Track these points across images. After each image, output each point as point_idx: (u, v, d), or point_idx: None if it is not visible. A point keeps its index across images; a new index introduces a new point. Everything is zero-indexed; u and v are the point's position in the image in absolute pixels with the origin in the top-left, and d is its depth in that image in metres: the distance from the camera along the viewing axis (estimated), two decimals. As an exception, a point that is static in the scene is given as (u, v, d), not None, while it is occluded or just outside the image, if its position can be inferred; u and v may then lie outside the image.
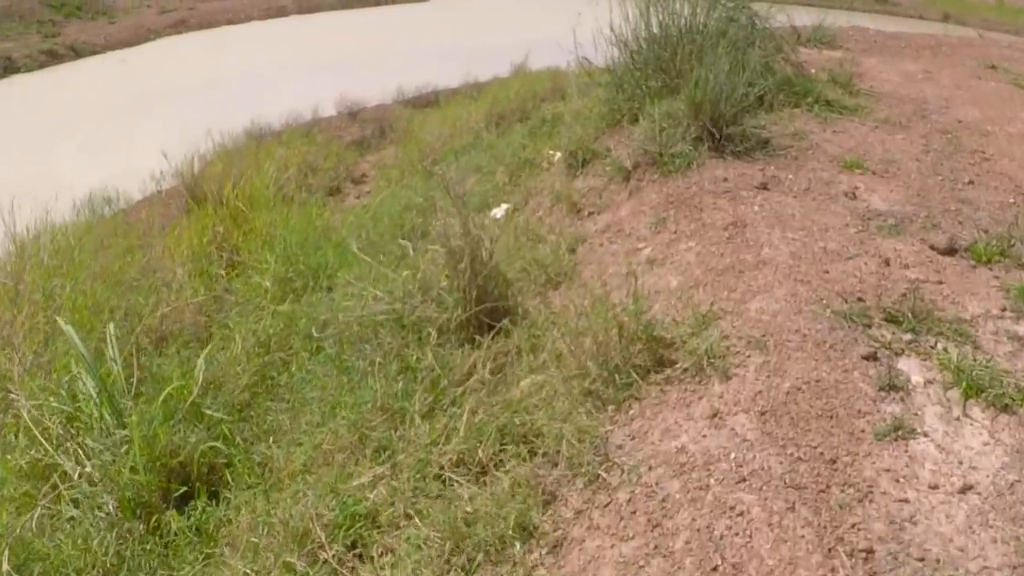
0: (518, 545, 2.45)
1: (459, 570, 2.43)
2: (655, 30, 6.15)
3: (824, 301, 3.32)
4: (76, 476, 3.57)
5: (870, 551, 2.15)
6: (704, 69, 5.22)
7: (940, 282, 3.63)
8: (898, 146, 5.46)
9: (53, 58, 15.09)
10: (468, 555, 2.45)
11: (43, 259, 5.03)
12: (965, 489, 2.38)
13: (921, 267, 3.75)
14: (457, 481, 2.72)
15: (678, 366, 2.89)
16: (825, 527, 2.20)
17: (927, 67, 8.15)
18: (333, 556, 2.66)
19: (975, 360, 2.96)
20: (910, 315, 3.27)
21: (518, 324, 3.55)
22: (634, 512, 2.37)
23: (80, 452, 3.73)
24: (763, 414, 2.61)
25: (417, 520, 2.64)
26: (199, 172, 7.50)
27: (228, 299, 5.31)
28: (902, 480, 2.39)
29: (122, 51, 16.10)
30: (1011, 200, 4.55)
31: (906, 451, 2.52)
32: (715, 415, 2.62)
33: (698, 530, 2.24)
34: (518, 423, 2.79)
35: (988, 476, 2.42)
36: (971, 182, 4.89)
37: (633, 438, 2.67)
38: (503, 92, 9.41)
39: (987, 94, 7.03)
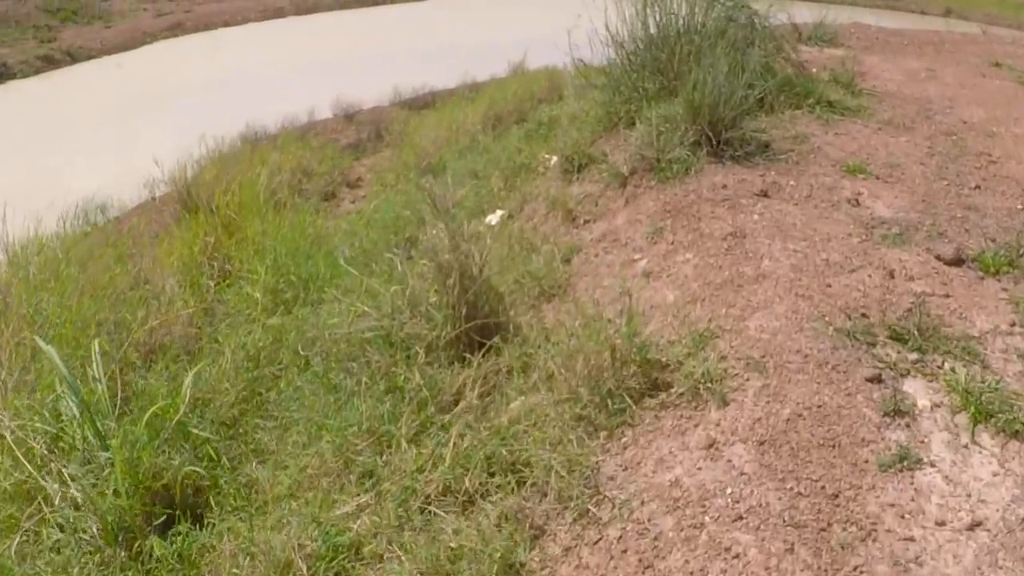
0: (505, 584, 2.33)
1: (444, 610, 2.31)
2: (652, 30, 6.02)
3: (826, 318, 3.19)
4: (58, 500, 3.46)
5: (874, 595, 2.03)
6: (702, 71, 5.08)
7: (947, 295, 3.50)
8: (902, 149, 5.32)
9: (49, 63, 14.97)
10: (453, 594, 2.33)
11: (30, 273, 4.90)
12: (974, 525, 2.25)
13: (927, 279, 3.62)
14: (442, 513, 2.60)
15: (673, 390, 2.77)
16: (826, 570, 2.07)
17: (930, 65, 8.00)
18: (315, 591, 2.54)
19: (984, 382, 2.83)
20: (916, 332, 3.14)
21: (509, 341, 3.43)
22: (625, 551, 2.25)
23: (65, 474, 3.63)
24: (762, 444, 2.48)
25: (401, 555, 2.52)
26: (193, 178, 7.38)
27: (219, 310, 5.20)
28: (907, 516, 2.26)
29: (118, 55, 15.96)
30: (1019, 206, 4.41)
31: (912, 483, 2.39)
32: (711, 445, 2.49)
33: (691, 573, 2.11)
34: (506, 452, 2.66)
35: (998, 511, 2.30)
36: (977, 187, 4.75)
37: (625, 469, 2.54)
38: (500, 93, 9.27)
39: (992, 93, 6.88)
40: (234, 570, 2.89)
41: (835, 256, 3.70)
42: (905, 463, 2.48)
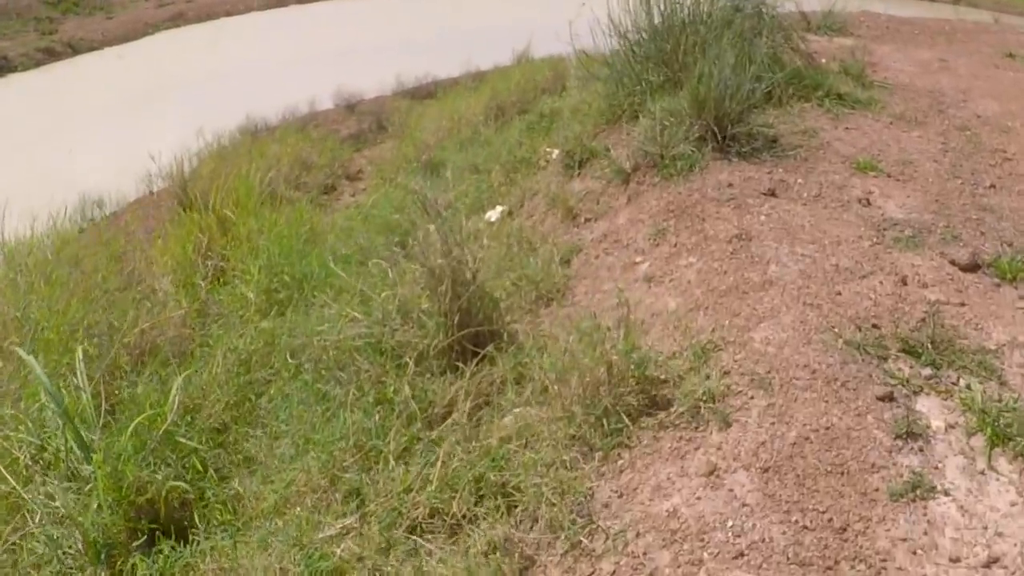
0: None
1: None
2: (656, 20, 5.82)
3: (836, 329, 3.02)
4: (39, 515, 3.34)
5: (886, 642, 1.88)
6: (707, 62, 4.90)
7: (962, 304, 3.33)
8: (914, 145, 5.13)
9: (50, 55, 14.77)
10: (438, 630, 2.19)
11: (19, 275, 4.77)
12: (990, 562, 2.10)
13: (941, 286, 3.45)
14: (428, 541, 2.46)
15: (673, 409, 2.61)
16: (834, 615, 1.92)
17: (942, 55, 7.78)
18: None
19: (1001, 400, 2.66)
20: (929, 345, 2.97)
21: (503, 350, 3.28)
22: (619, 588, 2.11)
23: (50, 486, 3.51)
24: (765, 471, 2.33)
25: (385, 584, 2.38)
26: (190, 173, 7.23)
27: (213, 311, 5.06)
28: (920, 552, 2.11)
29: (119, 46, 15.75)
30: (1036, 207, 4.23)
31: (925, 515, 2.24)
32: (712, 472, 2.34)
33: (690, 616, 1.97)
34: (495, 477, 2.51)
35: (1016, 545, 2.14)
36: (992, 186, 4.56)
37: (621, 495, 2.39)
38: (503, 83, 9.06)
39: (1006, 85, 6.66)
40: (216, 592, 2.77)
41: (845, 261, 3.53)
42: (918, 492, 2.32)
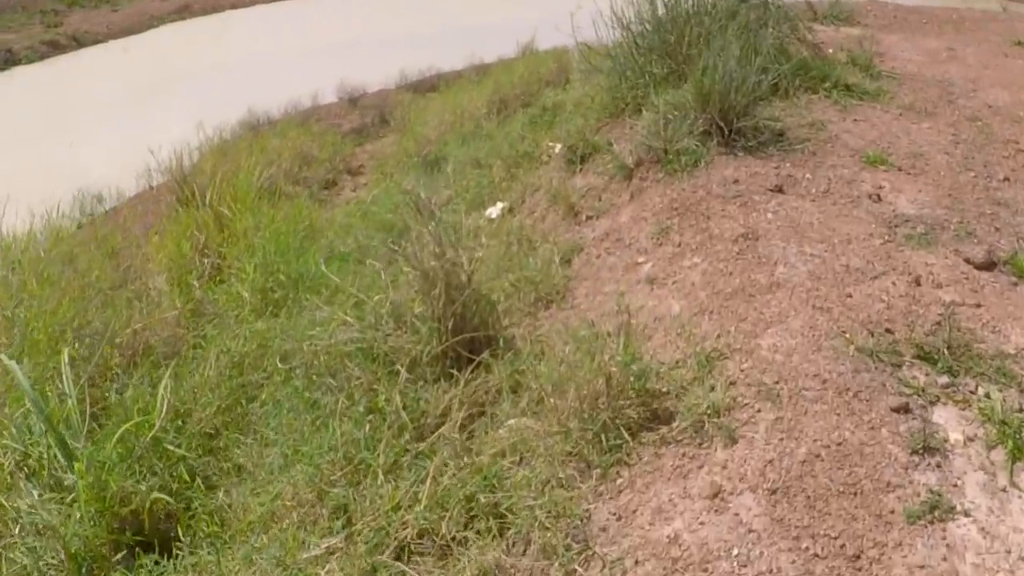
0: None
1: None
2: (660, 11, 5.62)
3: (847, 334, 2.83)
4: (20, 526, 3.20)
5: None
6: (712, 54, 4.69)
7: (978, 305, 3.13)
8: (925, 137, 4.92)
9: (55, 48, 14.59)
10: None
11: (9, 275, 4.62)
12: (1019, 592, 1.92)
13: (956, 286, 3.25)
14: (416, 562, 2.29)
15: (676, 424, 2.44)
16: (849, 656, 1.75)
17: (951, 44, 7.54)
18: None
19: (1021, 410, 2.48)
20: (945, 350, 2.78)
21: (500, 357, 3.10)
22: (617, 622, 1.94)
23: (32, 495, 3.36)
24: (773, 493, 2.15)
25: (370, 611, 2.22)
26: (190, 168, 7.06)
27: (208, 310, 4.90)
28: (942, 582, 1.93)
29: (124, 39, 15.55)
30: (1053, 201, 4.02)
31: (944, 539, 2.06)
32: (716, 494, 2.16)
33: (693, 656, 1.80)
34: (484, 500, 2.34)
35: (1045, 573, 1.96)
36: (1006, 179, 4.36)
37: (619, 518, 2.22)
38: (506, 75, 8.85)
39: (1016, 74, 6.43)
40: (198, 612, 2.61)
41: (856, 260, 3.34)
42: (936, 513, 2.14)
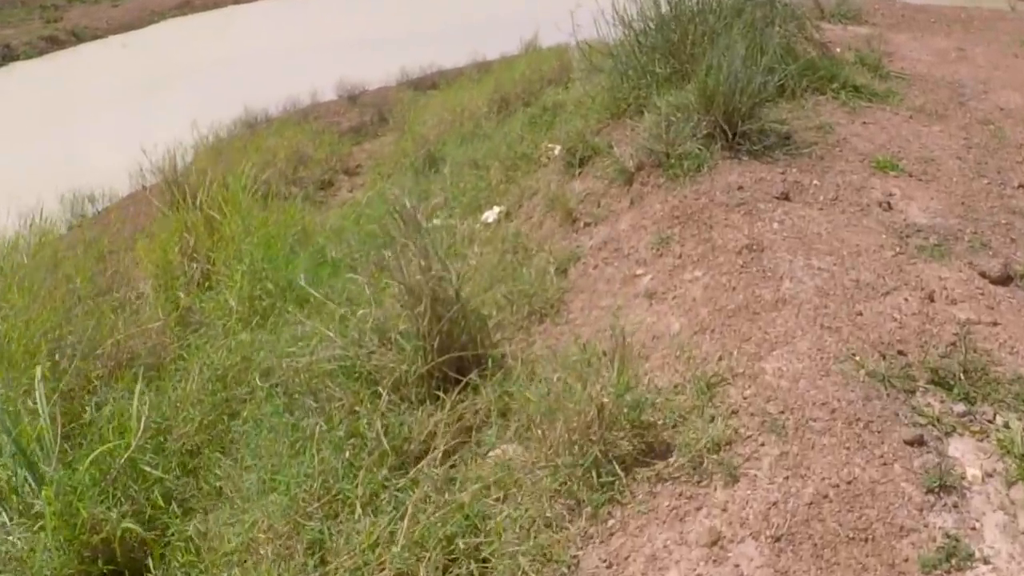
0: None
1: None
2: (663, 9, 5.41)
3: (857, 357, 2.64)
4: (-15, 554, 3.03)
5: None
6: (716, 54, 4.49)
7: (994, 323, 2.94)
8: (936, 140, 4.71)
9: (54, 44, 14.39)
10: None
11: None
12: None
13: (971, 302, 3.06)
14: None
15: (672, 460, 2.25)
16: None
17: (960, 44, 7.33)
18: None
19: (1046, 443, 2.29)
20: (961, 375, 2.60)
21: (488, 378, 2.92)
22: None
23: (3, 520, 3.20)
24: (777, 540, 1.97)
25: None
26: (185, 167, 6.89)
27: (194, 319, 4.73)
28: (963, 645, 1.75)
29: (124, 35, 15.35)
30: (1071, 210, 3.82)
31: (965, 592, 1.87)
32: (715, 542, 1.98)
33: None
34: (464, 544, 2.16)
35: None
36: (1021, 186, 4.17)
37: (610, 566, 2.04)
38: (508, 73, 8.64)
39: (1027, 76, 6.22)
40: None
41: (866, 275, 3.14)
42: (953, 561, 1.96)
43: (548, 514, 2.20)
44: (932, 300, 3.04)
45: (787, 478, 2.14)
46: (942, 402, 2.51)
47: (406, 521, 2.28)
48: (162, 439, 3.68)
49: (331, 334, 3.19)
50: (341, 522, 2.50)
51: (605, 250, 3.84)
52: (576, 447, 2.28)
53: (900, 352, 2.70)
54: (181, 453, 3.65)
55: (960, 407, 2.48)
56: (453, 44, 11.70)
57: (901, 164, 4.30)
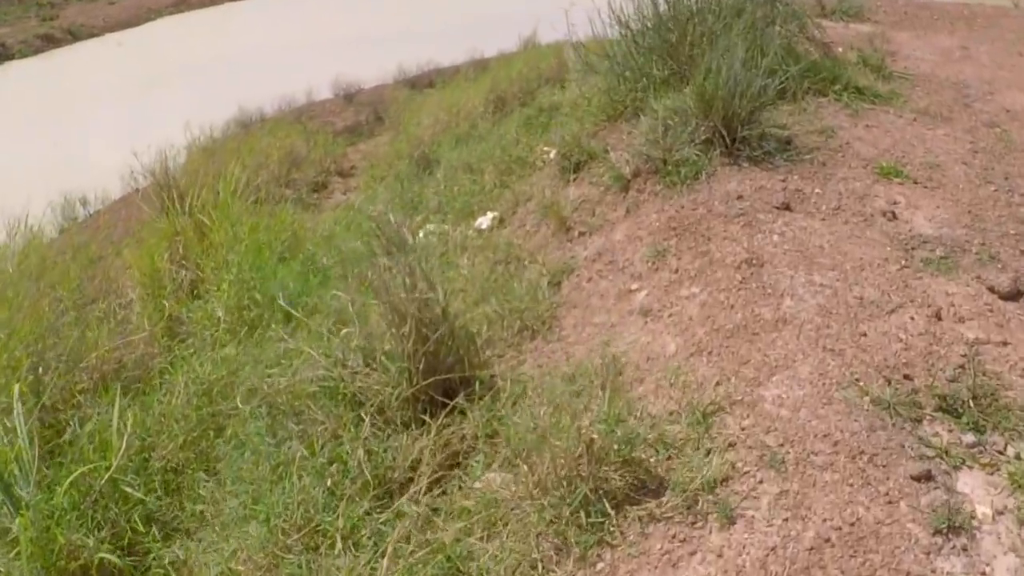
0: None
1: None
2: (661, 8, 5.26)
3: (861, 382, 2.51)
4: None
5: None
6: (716, 56, 4.34)
7: (1004, 343, 2.81)
8: (941, 144, 4.57)
9: (49, 42, 14.20)
10: None
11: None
12: None
13: (980, 319, 2.93)
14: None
15: (665, 499, 2.12)
16: None
17: (963, 42, 7.17)
18: None
19: (1060, 478, 2.16)
20: (970, 401, 2.46)
21: (476, 401, 2.79)
22: None
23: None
24: (778, 591, 1.84)
25: None
26: (178, 169, 6.74)
27: (182, 329, 4.61)
28: None
29: (120, 33, 15.18)
30: (1082, 220, 3.68)
31: (978, 649, 1.74)
32: (712, 593, 1.86)
33: None
34: (446, 591, 2.04)
35: None
36: (1031, 193, 4.02)
37: (599, 617, 1.92)
38: (505, 72, 8.49)
39: (1033, 75, 6.06)
40: None
41: (870, 291, 3.01)
42: (967, 612, 1.83)
43: (534, 555, 2.08)
44: (939, 318, 2.90)
45: (786, 520, 2.01)
46: (950, 431, 2.38)
47: (386, 560, 2.15)
48: (146, 456, 3.57)
49: (314, 353, 3.05)
50: (321, 555, 2.38)
51: (599, 262, 3.71)
52: (564, 483, 2.15)
53: (906, 376, 2.57)
54: (165, 471, 3.53)
55: (969, 437, 2.35)
56: (451, 41, 11.53)
57: (905, 170, 4.15)
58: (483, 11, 13.86)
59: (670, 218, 3.70)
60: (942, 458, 2.26)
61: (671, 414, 2.46)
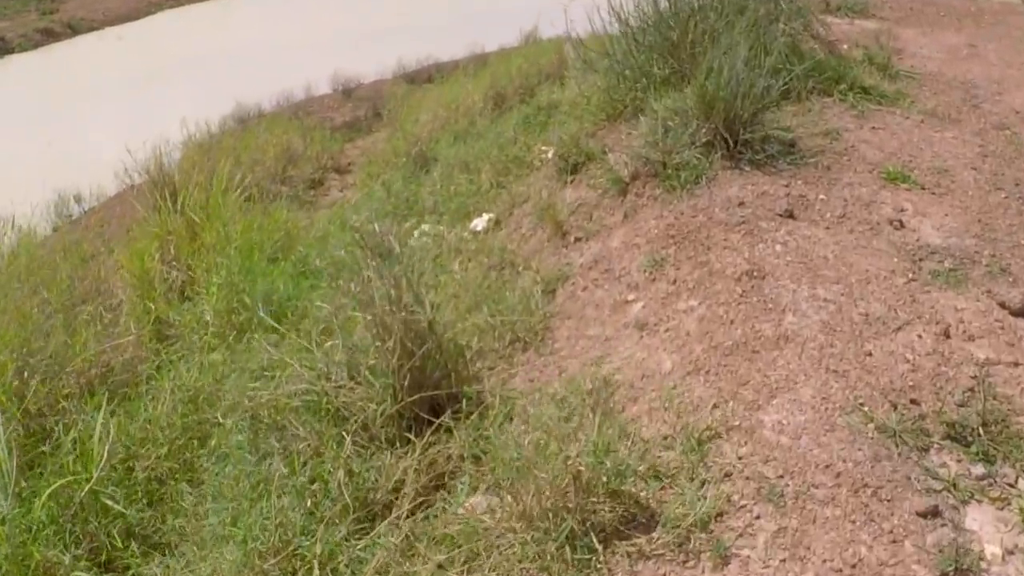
0: None
1: None
2: (662, 5, 5.09)
3: (865, 407, 2.37)
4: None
5: None
6: (717, 54, 4.19)
7: (1015, 363, 2.67)
8: (949, 148, 4.41)
9: (49, 36, 14.03)
10: None
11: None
12: None
13: (990, 338, 2.78)
14: None
15: (656, 536, 1.98)
16: None
17: (970, 39, 6.98)
18: None
19: (1076, 515, 2.02)
20: (980, 429, 2.32)
21: (463, 419, 2.66)
22: None
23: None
24: (775, 643, 1.71)
25: None
26: (172, 166, 6.60)
27: (171, 333, 4.48)
28: None
29: (120, 27, 14.99)
30: (1097, 231, 3.52)
31: None
32: (704, 644, 1.72)
33: None
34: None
35: None
36: (1042, 200, 3.86)
37: (584, 665, 1.79)
38: (505, 67, 8.32)
39: (1042, 75, 5.88)
40: None
41: (876, 306, 2.86)
42: (977, 667, 1.70)
43: (518, 594, 1.95)
44: (948, 336, 2.76)
45: (784, 560, 1.88)
46: (959, 461, 2.24)
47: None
48: (131, 465, 3.45)
49: (297, 366, 2.92)
50: (298, 582, 2.25)
51: (595, 270, 3.56)
52: (550, 514, 2.02)
53: (913, 401, 2.43)
54: (150, 480, 3.42)
55: (979, 468, 2.21)
56: (453, 35, 11.34)
57: (913, 175, 4.00)
58: (484, 5, 13.66)
59: (669, 225, 3.56)
60: (950, 492, 2.12)
61: (665, 438, 2.33)
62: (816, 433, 2.25)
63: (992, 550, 1.97)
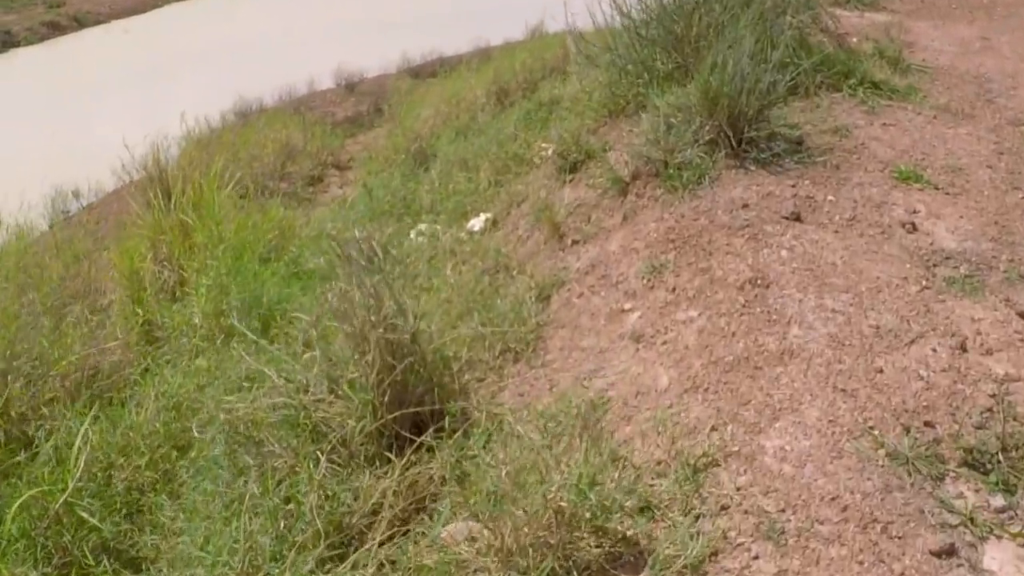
0: None
1: None
2: (666, -1, 4.87)
3: (876, 431, 2.17)
4: None
5: None
6: (722, 47, 3.97)
7: (1037, 380, 2.45)
8: (963, 145, 4.18)
9: (55, 30, 13.88)
10: None
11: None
12: None
13: (1009, 351, 2.57)
14: None
15: (646, 578, 1.80)
16: None
17: (983, 32, 6.71)
18: None
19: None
20: (999, 455, 2.12)
21: (447, 438, 2.47)
22: None
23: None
24: None
25: None
26: (170, 162, 6.43)
27: (160, 335, 4.32)
28: None
29: (126, 20, 14.81)
30: (1120, 235, 3.29)
31: None
32: None
33: None
34: None
35: None
36: (1061, 201, 3.63)
37: None
38: (508, 62, 8.10)
39: (1057, 69, 5.62)
40: None
41: (887, 317, 2.65)
42: None
43: (495, 640, 1.77)
44: (964, 350, 2.55)
45: (787, 610, 1.69)
46: (976, 491, 2.03)
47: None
48: (110, 474, 3.30)
49: (275, 378, 2.74)
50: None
51: (592, 275, 3.36)
52: (531, 550, 1.83)
53: (927, 423, 2.22)
54: (128, 491, 3.26)
55: (998, 500, 2.01)
56: (457, 29, 11.11)
57: (926, 174, 3.78)
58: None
59: (669, 228, 3.35)
60: (967, 527, 1.92)
61: (659, 463, 2.14)
62: (822, 461, 2.06)
63: (1014, 595, 1.77)
